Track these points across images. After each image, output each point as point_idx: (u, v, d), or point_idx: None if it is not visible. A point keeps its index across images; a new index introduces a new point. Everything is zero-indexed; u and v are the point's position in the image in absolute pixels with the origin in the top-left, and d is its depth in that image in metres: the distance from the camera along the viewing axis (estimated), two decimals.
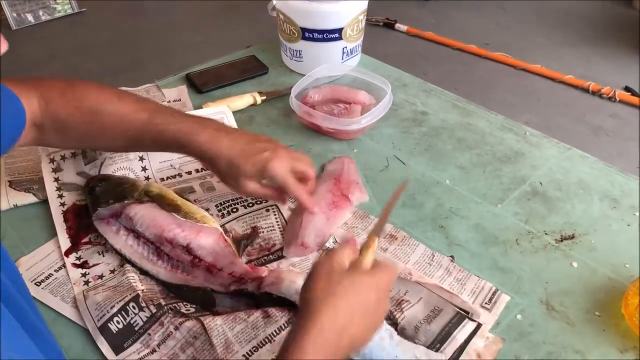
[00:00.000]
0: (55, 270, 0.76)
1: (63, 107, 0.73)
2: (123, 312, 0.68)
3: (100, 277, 0.75)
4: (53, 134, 0.75)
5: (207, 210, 0.83)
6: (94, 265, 0.76)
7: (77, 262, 0.77)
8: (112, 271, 0.75)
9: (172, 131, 0.73)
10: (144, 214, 0.77)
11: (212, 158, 0.73)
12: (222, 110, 1.00)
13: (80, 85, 0.75)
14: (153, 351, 0.65)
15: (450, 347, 0.66)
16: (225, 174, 0.74)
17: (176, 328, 0.66)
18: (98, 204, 0.79)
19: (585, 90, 2.65)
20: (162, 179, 0.90)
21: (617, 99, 2.57)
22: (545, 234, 0.82)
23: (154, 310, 0.67)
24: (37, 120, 0.73)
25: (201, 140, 0.73)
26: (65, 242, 0.79)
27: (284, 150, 0.74)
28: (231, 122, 1.00)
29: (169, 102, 1.09)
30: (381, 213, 0.66)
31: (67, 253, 0.78)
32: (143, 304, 0.67)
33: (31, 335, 0.50)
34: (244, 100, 1.07)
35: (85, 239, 0.80)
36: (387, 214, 0.65)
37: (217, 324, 0.65)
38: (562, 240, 0.81)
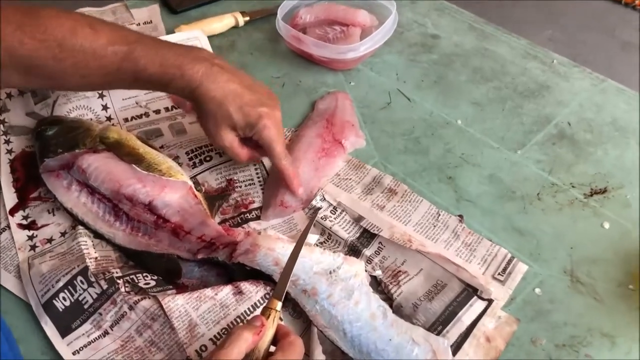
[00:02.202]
0: None
1: (24, 42, 0.60)
2: (70, 287, 0.58)
3: (49, 240, 0.64)
4: (15, 74, 0.63)
5: (176, 158, 0.71)
6: (42, 226, 0.66)
7: (24, 222, 0.66)
8: (63, 234, 0.65)
9: (156, 66, 0.62)
10: (99, 165, 0.66)
11: (201, 97, 0.63)
12: (196, 35, 0.86)
13: (44, 13, 0.62)
14: (105, 333, 0.56)
15: (455, 329, 0.56)
16: (209, 117, 0.64)
17: (131, 308, 0.56)
18: (46, 154, 0.67)
19: (617, 1, 2.41)
20: (126, 119, 0.78)
21: None
22: (572, 186, 0.69)
23: (105, 287, 0.57)
24: None
25: (193, 77, 0.62)
26: (11, 198, 0.68)
27: (280, 115, 0.66)
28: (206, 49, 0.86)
29: (138, 24, 0.94)
30: (285, 265, 0.53)
31: (13, 211, 0.67)
32: (92, 279, 0.57)
33: None
34: (223, 22, 0.92)
35: (35, 194, 0.69)
36: (291, 268, 0.52)
37: (178, 304, 0.55)
38: (591, 195, 0.68)
